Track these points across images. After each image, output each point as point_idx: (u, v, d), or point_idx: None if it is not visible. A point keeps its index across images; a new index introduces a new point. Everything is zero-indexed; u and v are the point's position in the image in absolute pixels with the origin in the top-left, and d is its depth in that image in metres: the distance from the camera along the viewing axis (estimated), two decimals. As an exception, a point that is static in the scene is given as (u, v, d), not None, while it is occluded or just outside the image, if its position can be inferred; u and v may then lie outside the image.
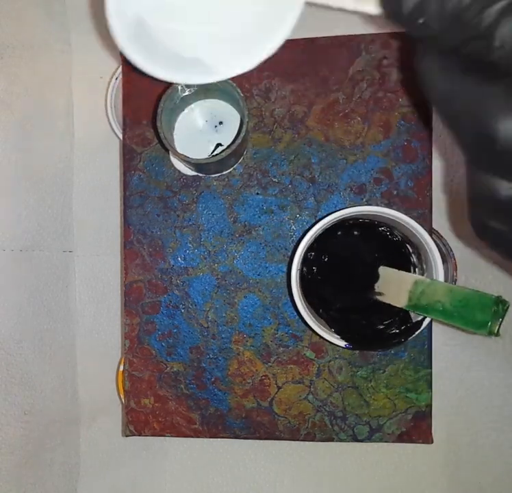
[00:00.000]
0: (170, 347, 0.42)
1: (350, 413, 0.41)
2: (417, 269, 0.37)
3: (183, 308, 0.41)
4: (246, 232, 0.41)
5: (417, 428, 0.40)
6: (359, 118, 0.40)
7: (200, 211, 0.41)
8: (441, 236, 0.46)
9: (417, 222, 0.34)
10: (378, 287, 0.36)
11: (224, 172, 0.41)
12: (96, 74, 0.52)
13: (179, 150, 0.37)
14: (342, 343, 0.35)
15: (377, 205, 0.39)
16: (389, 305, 0.35)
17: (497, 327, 0.28)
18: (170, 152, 0.40)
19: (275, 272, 0.41)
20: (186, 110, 0.39)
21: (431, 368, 0.40)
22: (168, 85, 0.34)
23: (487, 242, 0.26)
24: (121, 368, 0.45)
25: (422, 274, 0.36)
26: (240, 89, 0.34)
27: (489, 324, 0.28)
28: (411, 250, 0.37)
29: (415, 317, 0.35)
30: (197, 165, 0.37)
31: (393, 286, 0.34)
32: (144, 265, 0.41)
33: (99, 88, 0.51)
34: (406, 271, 0.35)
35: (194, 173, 0.41)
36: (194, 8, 0.24)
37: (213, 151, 0.39)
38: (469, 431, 0.48)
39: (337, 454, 0.50)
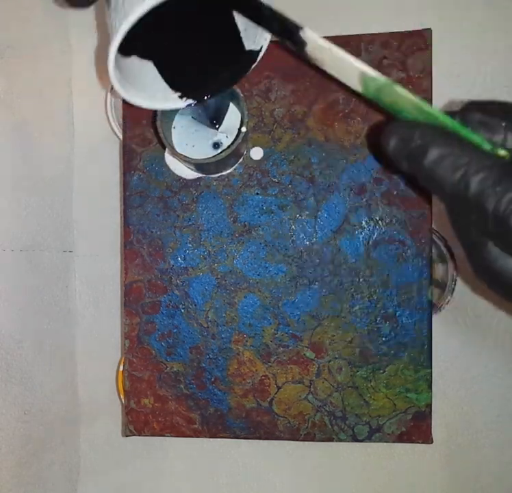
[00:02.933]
0: (170, 347, 0.42)
1: (350, 413, 0.41)
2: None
3: (183, 308, 0.41)
4: (246, 232, 0.41)
5: (417, 428, 0.40)
6: (359, 118, 0.40)
7: (200, 211, 0.41)
8: (441, 236, 0.46)
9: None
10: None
11: (224, 173, 0.41)
12: (96, 75, 0.52)
13: (179, 150, 0.37)
14: (182, 103, 0.33)
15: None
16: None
17: None
18: (166, 154, 0.40)
19: (275, 272, 0.41)
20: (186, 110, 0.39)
21: (431, 368, 0.40)
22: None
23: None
24: (121, 368, 0.45)
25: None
26: (240, 89, 0.34)
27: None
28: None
29: (249, 45, 0.32)
30: (197, 165, 0.37)
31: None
32: (144, 265, 0.41)
33: (99, 88, 0.51)
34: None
35: (192, 177, 0.40)
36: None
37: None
38: (469, 431, 0.48)
39: (337, 454, 0.50)
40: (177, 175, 0.41)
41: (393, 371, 0.40)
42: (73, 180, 0.52)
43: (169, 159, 0.40)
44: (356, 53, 0.39)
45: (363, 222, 0.40)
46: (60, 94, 0.51)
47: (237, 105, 0.36)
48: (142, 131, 0.41)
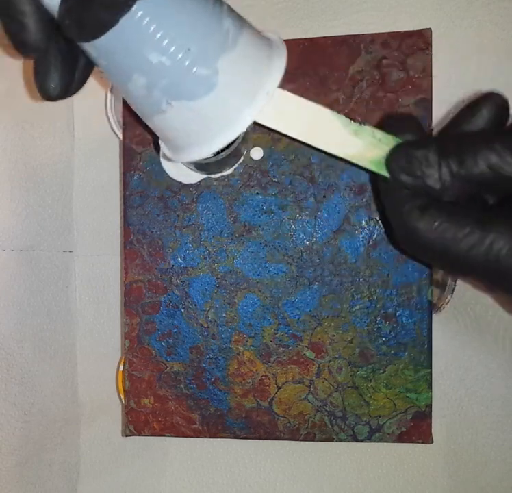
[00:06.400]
0: (170, 347, 0.42)
1: (350, 413, 0.41)
2: None
3: (183, 308, 0.41)
4: (246, 232, 0.41)
5: (417, 428, 0.40)
6: (359, 118, 0.40)
7: (200, 211, 0.41)
8: (441, 236, 0.46)
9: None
10: None
11: (224, 173, 0.41)
12: (97, 74, 0.52)
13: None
14: None
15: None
16: None
17: None
18: (161, 158, 0.40)
19: (275, 272, 0.41)
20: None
21: (431, 368, 0.40)
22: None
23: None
24: (121, 368, 0.45)
25: None
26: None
27: None
28: None
29: None
30: (197, 165, 0.37)
31: None
32: (144, 265, 0.41)
33: (99, 88, 0.51)
34: None
35: (188, 181, 0.40)
36: None
37: None
38: (469, 431, 0.48)
39: (337, 454, 0.50)
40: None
41: (393, 371, 0.40)
42: (73, 180, 0.52)
43: (165, 162, 0.40)
44: (356, 52, 0.39)
45: (363, 222, 0.40)
46: (60, 94, 0.51)
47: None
48: (142, 131, 0.41)
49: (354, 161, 0.29)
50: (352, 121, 0.29)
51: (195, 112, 0.26)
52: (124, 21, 0.24)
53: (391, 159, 0.26)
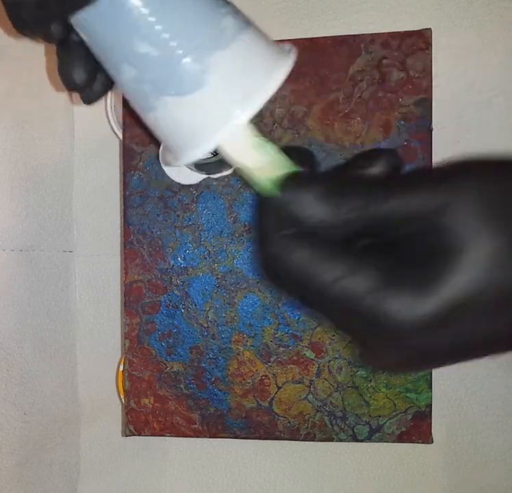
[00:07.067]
0: (170, 347, 0.42)
1: (350, 413, 0.41)
2: None
3: (183, 308, 0.41)
4: (246, 232, 0.41)
5: (417, 428, 0.40)
6: (359, 118, 0.40)
7: (200, 211, 0.41)
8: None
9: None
10: None
11: (224, 173, 0.41)
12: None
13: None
14: None
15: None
16: None
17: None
18: (161, 159, 0.40)
19: (275, 272, 0.41)
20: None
21: (431, 368, 0.40)
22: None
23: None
24: (121, 368, 0.45)
25: None
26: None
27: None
28: None
29: None
30: (197, 165, 0.37)
31: None
32: (144, 265, 0.41)
33: (99, 88, 0.51)
34: None
35: (187, 182, 0.40)
36: None
37: None
38: (469, 431, 0.48)
39: (337, 454, 0.50)
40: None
41: (393, 371, 0.40)
42: (73, 180, 0.52)
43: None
44: (356, 52, 0.39)
45: (363, 222, 0.40)
46: (60, 94, 0.51)
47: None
48: (142, 131, 0.41)
49: (247, 172, 0.27)
50: (260, 136, 0.27)
51: (183, 110, 0.25)
52: (110, 4, 0.22)
53: (282, 184, 0.26)
